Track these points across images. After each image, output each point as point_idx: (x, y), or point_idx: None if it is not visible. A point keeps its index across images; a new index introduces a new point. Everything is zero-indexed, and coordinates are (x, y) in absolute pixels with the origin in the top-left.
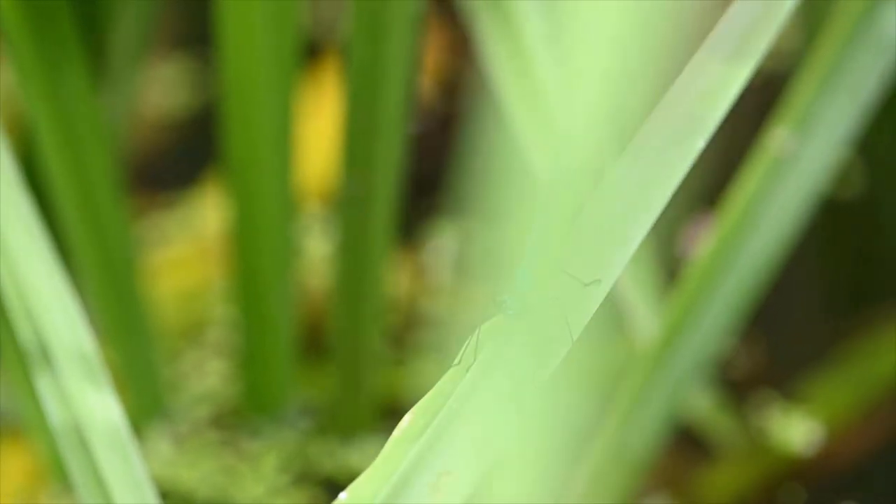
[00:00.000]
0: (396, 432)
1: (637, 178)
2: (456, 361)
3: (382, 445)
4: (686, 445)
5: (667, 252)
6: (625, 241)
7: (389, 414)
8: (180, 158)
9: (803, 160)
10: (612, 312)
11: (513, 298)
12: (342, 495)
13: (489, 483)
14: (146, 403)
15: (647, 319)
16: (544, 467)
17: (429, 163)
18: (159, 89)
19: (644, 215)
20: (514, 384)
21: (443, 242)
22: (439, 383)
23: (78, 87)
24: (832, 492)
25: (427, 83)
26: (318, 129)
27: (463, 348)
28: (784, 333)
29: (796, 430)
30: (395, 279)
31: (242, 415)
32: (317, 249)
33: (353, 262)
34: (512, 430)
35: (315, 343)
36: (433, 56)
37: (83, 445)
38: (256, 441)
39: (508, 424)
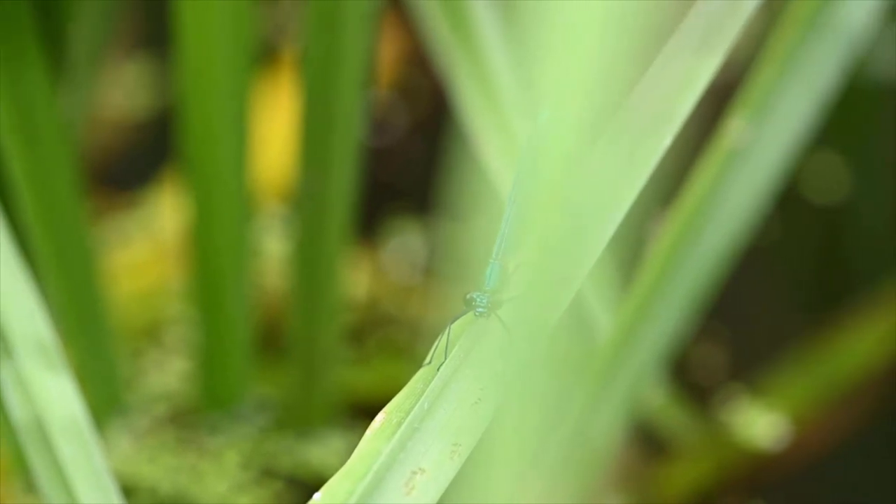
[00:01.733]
0: (369, 432)
1: (606, 174)
2: (427, 361)
3: (341, 442)
4: (647, 442)
5: (629, 248)
6: (594, 237)
7: (349, 411)
8: (140, 158)
9: (759, 151)
10: (573, 309)
11: (481, 296)
12: (317, 496)
13: (462, 480)
14: (105, 401)
15: (605, 315)
16: (514, 463)
17: (391, 173)
18: (120, 90)
19: (613, 211)
20: (485, 382)
21: (404, 242)
22: (411, 382)
23: (38, 86)
24: (795, 486)
25: (388, 95)
26: (275, 129)
27: (433, 347)
28: (749, 330)
29: (759, 426)
30: (355, 278)
31: (200, 412)
32: (275, 248)
33: (310, 260)
34: (483, 426)
35: (273, 340)
36: (395, 68)
37: (45, 441)
38: (215, 437)
39: (480, 422)
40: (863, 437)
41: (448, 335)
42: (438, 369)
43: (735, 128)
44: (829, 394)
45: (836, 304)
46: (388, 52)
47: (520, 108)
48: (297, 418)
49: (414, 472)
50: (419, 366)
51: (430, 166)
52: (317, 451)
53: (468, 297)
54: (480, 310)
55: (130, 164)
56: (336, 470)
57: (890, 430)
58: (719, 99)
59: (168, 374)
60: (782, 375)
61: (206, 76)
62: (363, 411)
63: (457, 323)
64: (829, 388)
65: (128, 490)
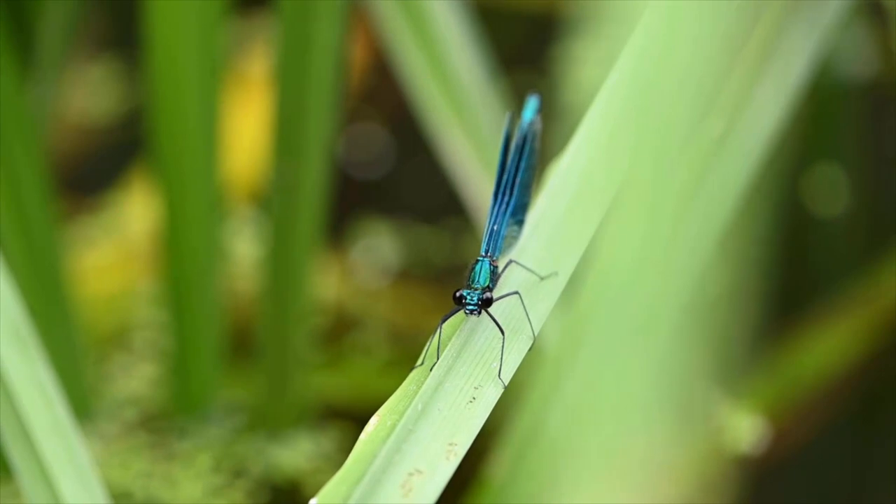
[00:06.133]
0: (363, 435)
1: (586, 173)
2: (419, 362)
3: (310, 443)
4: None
5: None
6: (579, 235)
7: (318, 413)
8: (108, 161)
9: (731, 149)
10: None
11: (471, 294)
12: (312, 502)
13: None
14: (74, 406)
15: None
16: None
17: (358, 175)
18: (87, 92)
19: (596, 211)
20: (479, 381)
21: (372, 244)
22: (404, 384)
23: (4, 88)
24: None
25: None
26: (246, 131)
27: (426, 348)
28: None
29: (739, 429)
30: (325, 281)
31: (170, 416)
32: (245, 251)
33: (281, 263)
34: (478, 425)
35: (242, 343)
36: (361, 76)
37: (26, 436)
38: (186, 441)
39: (475, 421)
40: (833, 436)
41: (440, 335)
42: (431, 370)
43: (710, 126)
44: (801, 395)
45: (805, 307)
46: (356, 62)
47: (486, 111)
48: (266, 421)
49: (410, 474)
50: (408, 368)
51: (397, 169)
52: (287, 453)
53: (458, 294)
54: (471, 307)
55: (96, 167)
56: (306, 471)
57: (855, 429)
58: None
59: (136, 378)
60: (755, 380)
61: (176, 78)
62: (332, 413)
63: (448, 322)
64: (800, 390)
65: None
